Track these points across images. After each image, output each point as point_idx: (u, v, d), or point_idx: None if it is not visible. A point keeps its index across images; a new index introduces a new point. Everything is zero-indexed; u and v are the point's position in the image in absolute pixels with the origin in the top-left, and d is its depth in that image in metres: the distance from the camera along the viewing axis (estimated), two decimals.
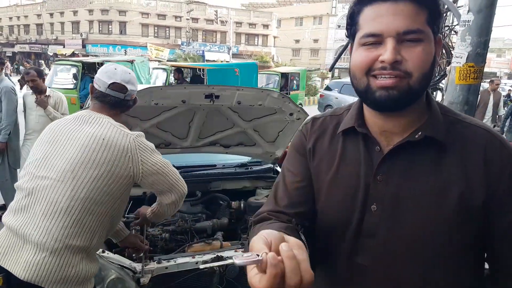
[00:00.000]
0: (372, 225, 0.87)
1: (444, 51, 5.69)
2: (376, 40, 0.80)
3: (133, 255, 2.04)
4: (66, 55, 35.62)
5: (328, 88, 14.46)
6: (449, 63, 5.46)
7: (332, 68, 4.08)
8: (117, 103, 1.66)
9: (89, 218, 1.50)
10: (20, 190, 1.55)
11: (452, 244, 0.83)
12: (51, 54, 36.71)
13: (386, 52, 0.78)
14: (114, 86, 1.64)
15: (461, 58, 3.47)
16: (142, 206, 2.01)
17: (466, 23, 3.10)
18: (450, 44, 5.79)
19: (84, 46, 39.07)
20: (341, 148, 0.95)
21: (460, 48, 3.46)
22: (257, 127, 2.79)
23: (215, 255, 2.11)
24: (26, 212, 1.48)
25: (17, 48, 42.90)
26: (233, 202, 2.85)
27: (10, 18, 46.21)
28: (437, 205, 0.82)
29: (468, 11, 3.06)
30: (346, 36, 0.90)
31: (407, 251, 0.84)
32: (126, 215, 2.47)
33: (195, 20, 41.11)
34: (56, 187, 1.47)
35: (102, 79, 1.65)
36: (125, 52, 32.28)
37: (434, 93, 5.92)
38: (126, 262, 1.99)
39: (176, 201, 1.74)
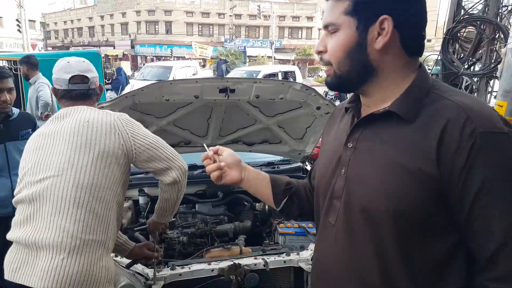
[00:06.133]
0: (339, 187, 0.96)
1: (501, 35, 5.12)
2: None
3: (147, 263, 1.95)
4: (118, 56, 37.20)
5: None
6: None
7: None
8: (84, 94, 1.62)
9: (100, 206, 1.42)
10: (20, 203, 1.47)
11: (403, 215, 0.83)
12: (102, 55, 38.56)
13: None
14: (75, 79, 1.60)
15: None
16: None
17: None
18: (509, 26, 5.18)
19: (132, 46, 40.70)
20: (340, 123, 1.07)
21: None
22: (282, 123, 2.59)
23: (232, 263, 1.95)
24: (33, 219, 1.40)
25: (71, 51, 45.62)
26: (257, 204, 2.67)
27: (65, 22, 49.06)
28: (386, 173, 0.86)
29: None
30: None
31: (360, 213, 0.90)
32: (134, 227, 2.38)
33: (238, 16, 41.35)
34: (58, 183, 1.39)
35: (60, 77, 1.61)
36: (171, 52, 33.09)
37: (491, 82, 5.32)
38: (139, 267, 1.89)
39: (178, 179, 1.59)
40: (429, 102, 0.86)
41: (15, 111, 2.46)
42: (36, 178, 1.44)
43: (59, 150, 1.45)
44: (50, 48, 39.09)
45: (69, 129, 1.48)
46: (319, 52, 0.93)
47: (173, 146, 2.67)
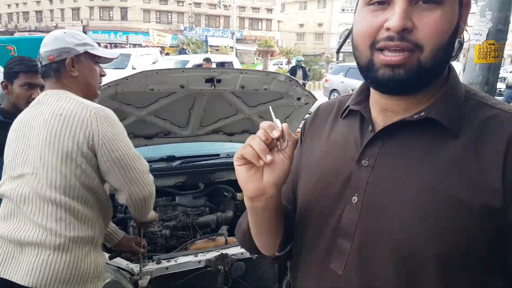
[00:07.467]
0: (351, 222, 0.70)
1: None
2: None
3: (131, 258, 1.89)
4: None
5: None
6: (460, 43, 5.20)
7: (339, 50, 3.91)
8: (42, 72, 1.47)
9: (79, 205, 1.35)
10: (4, 197, 1.40)
11: (453, 260, 0.62)
12: None
13: (393, 17, 0.61)
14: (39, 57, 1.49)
15: (480, 35, 3.25)
16: None
17: None
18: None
19: (85, 33, 38.59)
20: (336, 130, 0.81)
21: (480, 24, 3.23)
22: (263, 113, 2.59)
23: (220, 253, 1.95)
24: (16, 216, 1.34)
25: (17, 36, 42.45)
26: (238, 194, 2.67)
27: (9, 6, 45.47)
28: (431, 206, 0.63)
29: None
30: None
31: (387, 260, 0.65)
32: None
33: (198, 4, 40.57)
34: (33, 182, 1.32)
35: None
36: (126, 39, 31.86)
37: None
38: (123, 263, 1.84)
39: (129, 203, 1.45)
40: (469, 110, 0.67)
41: None
42: (15, 173, 1.38)
43: (33, 144, 1.36)
44: None
45: (42, 120, 1.36)
46: (403, 29, 0.62)
47: (151, 137, 2.64)
